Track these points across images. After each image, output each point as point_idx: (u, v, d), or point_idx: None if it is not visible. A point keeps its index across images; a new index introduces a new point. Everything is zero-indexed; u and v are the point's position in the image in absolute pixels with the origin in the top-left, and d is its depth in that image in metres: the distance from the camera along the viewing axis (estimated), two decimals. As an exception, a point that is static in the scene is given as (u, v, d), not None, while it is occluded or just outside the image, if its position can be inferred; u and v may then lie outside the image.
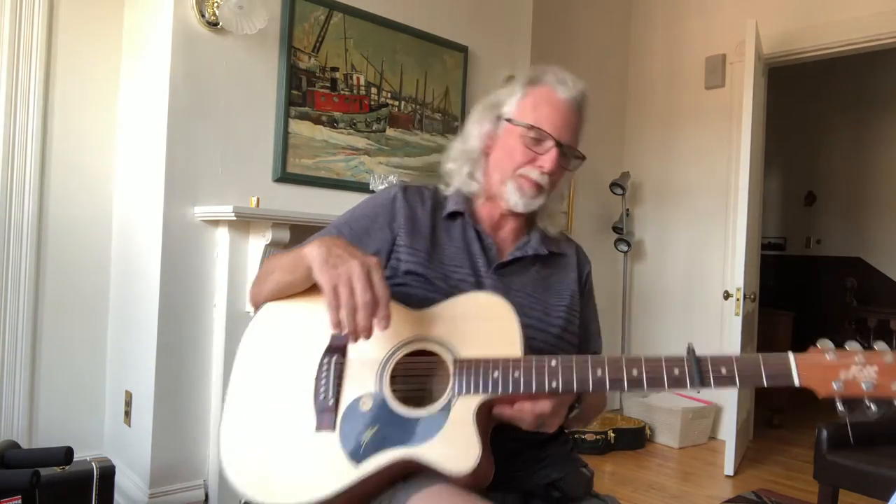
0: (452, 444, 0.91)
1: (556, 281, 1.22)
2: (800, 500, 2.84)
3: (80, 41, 2.45)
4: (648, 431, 3.65)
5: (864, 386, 0.83)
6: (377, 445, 0.93)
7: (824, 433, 2.18)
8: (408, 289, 1.09)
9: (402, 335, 1.00)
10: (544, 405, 0.93)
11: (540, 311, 1.15)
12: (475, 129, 1.22)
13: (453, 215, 1.20)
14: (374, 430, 0.94)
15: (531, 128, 1.14)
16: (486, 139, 1.20)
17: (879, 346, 0.85)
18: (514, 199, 1.16)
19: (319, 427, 0.96)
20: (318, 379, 1.00)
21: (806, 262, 6.08)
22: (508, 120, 1.18)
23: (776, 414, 4.18)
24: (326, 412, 0.97)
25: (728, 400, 3.36)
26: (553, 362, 0.93)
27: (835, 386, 0.84)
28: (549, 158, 1.14)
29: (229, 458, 0.98)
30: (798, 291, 5.82)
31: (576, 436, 3.28)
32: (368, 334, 0.92)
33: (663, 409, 3.66)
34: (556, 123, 1.14)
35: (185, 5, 2.24)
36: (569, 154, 1.17)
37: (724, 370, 0.89)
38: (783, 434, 4.00)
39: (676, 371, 0.90)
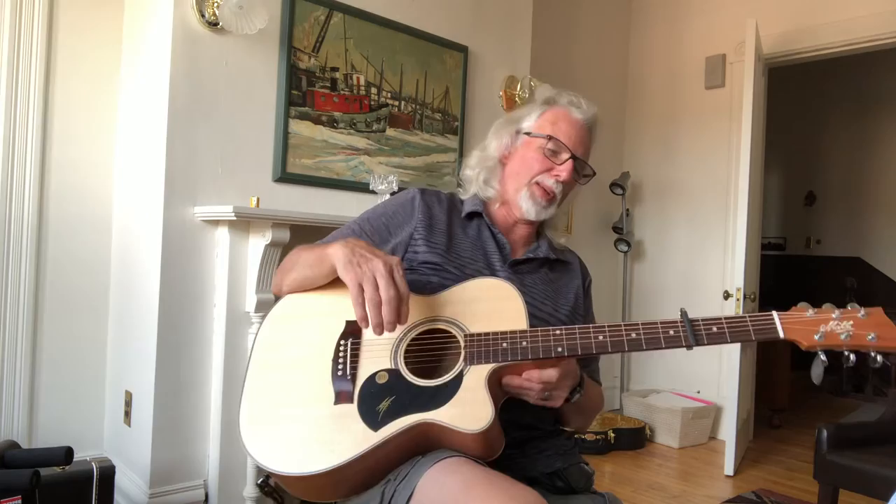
0: (466, 406, 0.96)
1: (562, 285, 1.29)
2: (800, 500, 2.84)
3: (80, 41, 2.45)
4: (648, 431, 3.65)
5: (842, 337, 0.92)
6: (394, 413, 0.97)
7: (824, 433, 2.18)
8: (424, 277, 1.15)
9: (415, 317, 1.06)
10: (551, 373, 1.00)
11: (550, 307, 1.23)
12: (494, 142, 1.31)
13: (470, 216, 1.28)
14: (390, 399, 0.99)
15: (550, 138, 1.23)
16: (503, 150, 1.30)
17: (852, 306, 0.95)
18: (527, 206, 1.23)
19: (338, 400, 1.01)
20: (335, 360, 1.05)
21: (806, 262, 6.08)
22: (527, 133, 1.27)
23: (776, 414, 4.18)
24: (344, 387, 1.02)
25: (728, 400, 3.36)
26: (557, 331, 1.00)
27: (816, 337, 0.93)
28: (565, 168, 1.23)
29: (249, 432, 1.01)
30: (798, 291, 5.82)
31: (576, 435, 3.27)
32: (392, 328, 0.98)
33: (663, 409, 3.66)
34: (572, 138, 1.24)
35: (185, 5, 2.24)
36: (581, 169, 1.26)
37: (715, 328, 0.96)
38: (783, 434, 4.00)
39: (672, 332, 0.97)
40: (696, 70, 4.02)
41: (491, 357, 0.99)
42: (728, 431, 3.22)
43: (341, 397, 1.00)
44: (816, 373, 0.95)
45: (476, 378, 0.98)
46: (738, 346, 3.12)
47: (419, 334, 1.05)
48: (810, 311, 0.95)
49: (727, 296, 3.25)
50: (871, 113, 5.63)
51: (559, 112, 1.27)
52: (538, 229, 1.33)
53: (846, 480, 2.13)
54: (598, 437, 3.40)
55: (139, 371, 2.32)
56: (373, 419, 0.97)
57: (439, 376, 1.01)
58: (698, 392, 3.87)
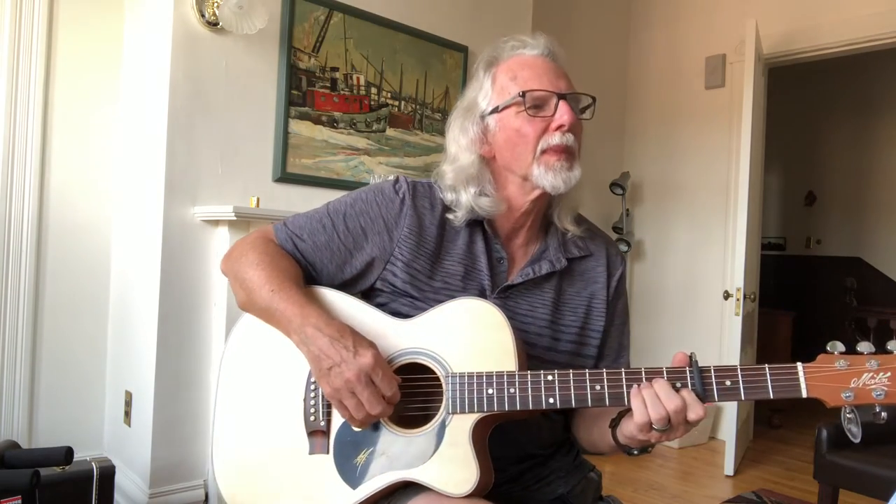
0: (450, 466, 0.89)
1: (573, 294, 1.09)
2: (800, 500, 2.84)
3: (80, 41, 2.45)
4: (648, 431, 3.64)
5: (874, 395, 0.79)
6: (373, 468, 0.92)
7: (824, 433, 2.18)
8: (405, 308, 1.03)
9: (391, 348, 0.97)
10: (698, 410, 0.86)
11: (548, 337, 1.05)
12: (462, 141, 1.06)
13: (466, 222, 1.07)
14: (368, 451, 0.93)
15: (524, 94, 1.00)
16: (479, 145, 1.05)
17: (893, 345, 0.81)
18: (550, 180, 1.00)
19: (313, 451, 0.95)
20: (306, 400, 0.98)
21: (806, 262, 6.07)
22: (494, 110, 1.04)
23: (776, 414, 4.18)
24: (318, 435, 0.96)
25: (728, 400, 3.36)
26: (549, 377, 0.89)
27: (844, 396, 0.81)
28: (561, 112, 1.00)
29: (227, 487, 0.98)
30: (798, 291, 5.82)
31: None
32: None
33: (663, 409, 3.65)
34: (544, 78, 1.01)
35: (185, 5, 2.24)
36: (576, 103, 1.04)
37: (728, 382, 0.85)
38: (783, 434, 4.00)
39: (679, 384, 0.86)
40: (696, 70, 4.01)
41: (475, 406, 0.90)
42: (728, 431, 3.22)
43: (316, 446, 0.95)
44: (853, 430, 0.80)
45: (460, 430, 0.90)
46: (737, 343, 3.12)
47: (397, 370, 0.95)
48: (841, 362, 0.81)
49: (727, 296, 3.25)
50: (871, 113, 5.62)
51: (509, 64, 1.04)
52: (547, 217, 1.10)
53: (846, 480, 2.13)
54: (598, 437, 3.40)
55: (139, 371, 2.32)
56: (350, 475, 0.92)
57: (421, 418, 0.94)
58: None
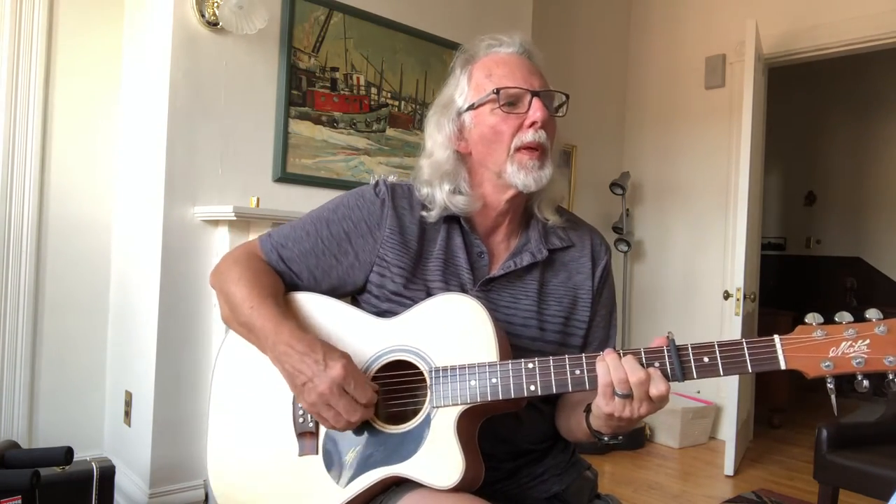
0: (436, 459, 0.90)
1: (557, 284, 1.10)
2: (800, 500, 2.84)
3: (80, 41, 2.45)
4: (648, 431, 3.65)
5: (855, 362, 0.79)
6: (362, 466, 0.94)
7: (824, 433, 2.18)
8: (396, 308, 1.03)
9: (375, 347, 0.99)
10: (660, 386, 0.86)
11: (534, 328, 1.06)
12: (438, 137, 1.09)
13: (444, 219, 1.08)
14: (356, 450, 0.95)
15: (498, 91, 1.02)
16: (455, 141, 1.08)
17: (871, 314, 0.80)
18: (521, 179, 1.02)
19: (302, 451, 0.97)
20: (294, 403, 0.99)
21: (806, 262, 6.08)
22: (470, 107, 1.06)
23: (776, 414, 4.18)
24: (307, 436, 0.97)
25: (728, 400, 3.36)
26: (530, 364, 0.90)
27: (823, 366, 0.80)
28: (534, 109, 1.02)
29: (220, 490, 1.00)
30: (798, 291, 5.82)
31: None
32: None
33: (663, 409, 3.65)
34: (518, 75, 1.04)
35: (185, 5, 2.24)
36: (549, 101, 1.06)
37: (706, 359, 0.86)
38: (783, 434, 4.00)
39: (657, 364, 0.87)
40: (696, 70, 4.01)
41: (459, 398, 0.91)
42: (728, 431, 3.21)
43: (305, 448, 0.97)
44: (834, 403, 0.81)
45: (444, 423, 0.91)
46: (738, 345, 3.11)
47: (382, 368, 0.97)
48: (819, 332, 0.81)
49: (727, 296, 3.25)
50: (871, 113, 5.62)
51: (486, 62, 1.07)
52: (528, 211, 1.11)
53: (846, 480, 2.13)
54: (598, 437, 3.40)
55: (139, 371, 2.32)
56: (339, 473, 0.94)
57: (407, 414, 0.95)
58: (698, 392, 3.86)
